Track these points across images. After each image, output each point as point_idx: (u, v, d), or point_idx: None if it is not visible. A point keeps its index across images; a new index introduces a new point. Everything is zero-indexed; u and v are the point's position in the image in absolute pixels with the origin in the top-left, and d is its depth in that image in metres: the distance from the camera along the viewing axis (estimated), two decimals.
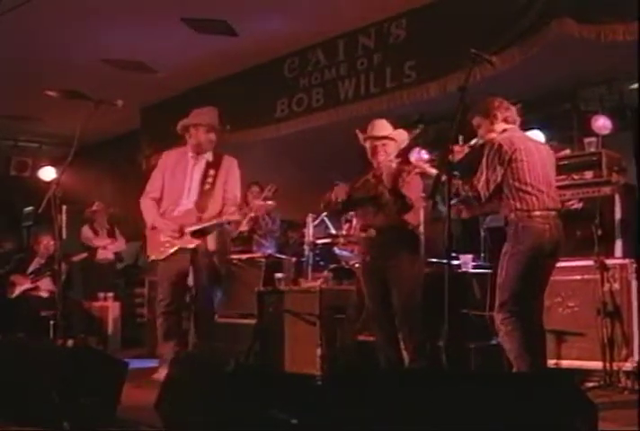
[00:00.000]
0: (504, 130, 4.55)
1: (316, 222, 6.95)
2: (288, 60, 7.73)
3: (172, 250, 5.72)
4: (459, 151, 4.50)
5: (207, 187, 5.83)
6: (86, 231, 9.45)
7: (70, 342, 6.60)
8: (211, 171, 5.88)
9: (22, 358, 4.22)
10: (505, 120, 4.59)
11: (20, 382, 4.03)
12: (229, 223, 6.07)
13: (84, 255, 8.91)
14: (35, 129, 10.57)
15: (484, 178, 4.43)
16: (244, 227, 7.93)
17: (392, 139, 5.34)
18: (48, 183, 10.11)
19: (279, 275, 6.56)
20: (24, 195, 10.84)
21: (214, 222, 5.75)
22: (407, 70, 6.59)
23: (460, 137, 4.64)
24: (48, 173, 10.48)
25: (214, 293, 6.02)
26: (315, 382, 3.33)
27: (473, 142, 4.61)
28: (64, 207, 5.25)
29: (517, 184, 4.39)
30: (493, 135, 4.55)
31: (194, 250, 5.71)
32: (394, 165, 5.22)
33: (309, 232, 6.77)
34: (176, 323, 5.82)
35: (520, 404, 2.48)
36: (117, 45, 7.54)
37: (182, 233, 5.70)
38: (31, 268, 8.93)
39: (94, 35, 7.26)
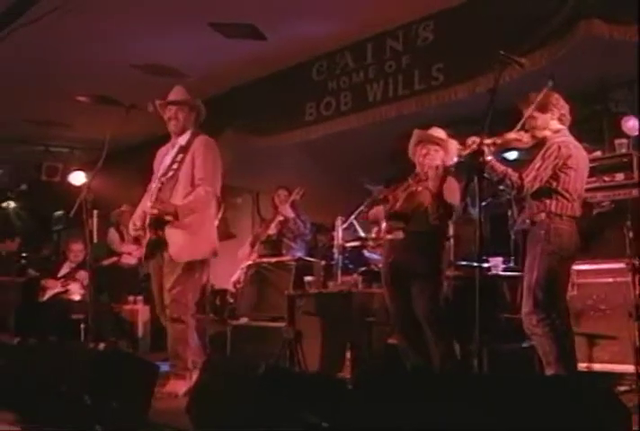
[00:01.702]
0: (558, 130, 4.52)
1: (345, 225, 6.94)
2: (317, 64, 7.72)
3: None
4: (516, 139, 4.46)
5: (170, 174, 5.27)
6: (112, 234, 9.48)
7: (102, 345, 6.66)
8: (179, 156, 5.31)
9: (54, 361, 4.25)
10: (560, 119, 4.56)
11: (52, 385, 4.06)
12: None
13: (115, 259, 8.95)
14: (66, 134, 10.65)
15: (533, 174, 4.40)
16: (272, 230, 7.97)
17: (443, 147, 5.30)
18: (79, 188, 10.29)
19: (308, 278, 6.60)
20: (55, 200, 10.94)
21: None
22: (435, 72, 6.56)
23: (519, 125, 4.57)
24: (78, 178, 10.54)
25: None
26: (346, 386, 3.31)
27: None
28: (95, 212, 5.30)
29: (559, 189, 4.38)
30: (548, 132, 4.51)
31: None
32: (439, 168, 5.17)
33: (338, 235, 6.75)
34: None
35: (553, 408, 2.45)
36: (146, 50, 7.58)
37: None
38: (61, 272, 8.97)
39: (124, 40, 7.31)
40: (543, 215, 4.40)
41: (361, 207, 6.88)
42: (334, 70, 7.54)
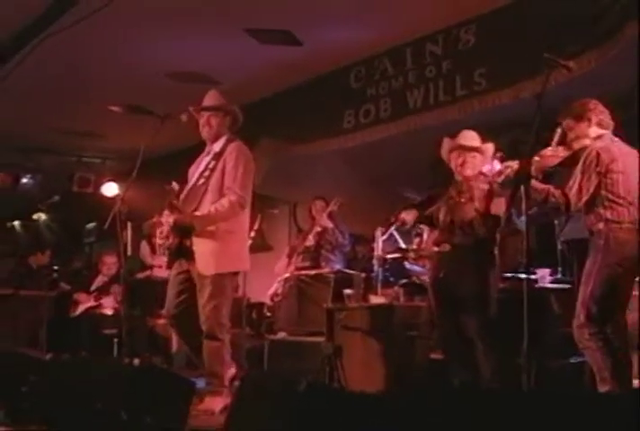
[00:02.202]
0: (599, 136, 4.47)
1: (385, 236, 6.93)
2: (355, 69, 7.72)
3: None
4: (553, 155, 4.44)
5: (201, 182, 5.22)
6: (144, 247, 9.51)
7: (136, 361, 6.69)
8: (212, 163, 5.23)
9: (88, 377, 4.28)
10: (599, 124, 4.50)
11: (86, 402, 4.09)
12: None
13: (149, 273, 8.98)
14: (98, 145, 10.76)
15: (577, 186, 4.36)
16: (310, 242, 7.97)
17: (480, 152, 5.29)
18: (112, 199, 10.38)
19: (348, 291, 6.62)
20: (87, 211, 11.05)
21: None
22: (477, 77, 6.53)
23: (555, 140, 4.55)
24: (110, 189, 10.64)
25: None
26: (388, 402, 3.29)
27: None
28: (129, 224, 5.32)
29: (610, 196, 4.32)
30: (587, 140, 4.47)
31: None
32: (486, 186, 5.12)
33: (378, 246, 6.74)
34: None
35: (606, 426, 2.42)
36: (179, 57, 7.63)
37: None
38: (94, 286, 9.04)
39: (156, 47, 7.38)
40: (601, 225, 4.33)
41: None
42: (373, 76, 7.53)
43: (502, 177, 4.57)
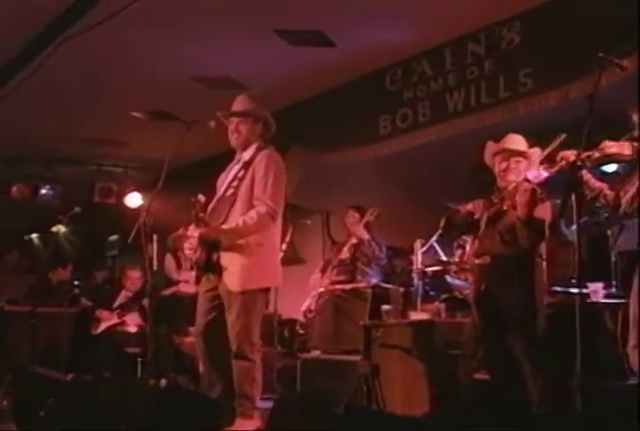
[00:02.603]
0: None
1: (425, 248, 6.91)
2: (391, 72, 7.73)
3: None
4: (615, 151, 4.37)
5: (229, 192, 5.16)
6: (169, 261, 9.50)
7: (163, 382, 6.70)
8: (241, 172, 5.17)
9: (112, 399, 4.29)
10: None
11: (110, 425, 4.10)
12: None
13: (175, 289, 8.98)
14: (120, 153, 10.85)
15: (633, 191, 4.31)
16: (345, 254, 7.96)
17: (526, 157, 5.26)
18: (135, 210, 10.44)
19: (386, 306, 6.56)
20: (109, 223, 11.11)
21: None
22: (523, 78, 6.50)
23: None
24: (134, 200, 10.70)
25: None
26: (429, 426, 3.28)
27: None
28: (154, 237, 5.34)
29: None
30: None
31: None
32: (529, 192, 5.04)
33: (417, 259, 6.75)
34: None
35: None
36: (205, 61, 7.70)
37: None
38: (117, 302, 9.04)
39: (181, 50, 7.42)
40: None
41: (441, 224, 6.84)
42: (410, 78, 7.53)
43: (557, 168, 4.49)
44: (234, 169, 5.29)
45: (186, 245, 5.18)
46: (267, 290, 5.30)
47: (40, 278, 9.93)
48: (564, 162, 4.54)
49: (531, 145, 5.35)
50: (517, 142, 5.32)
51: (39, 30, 6.90)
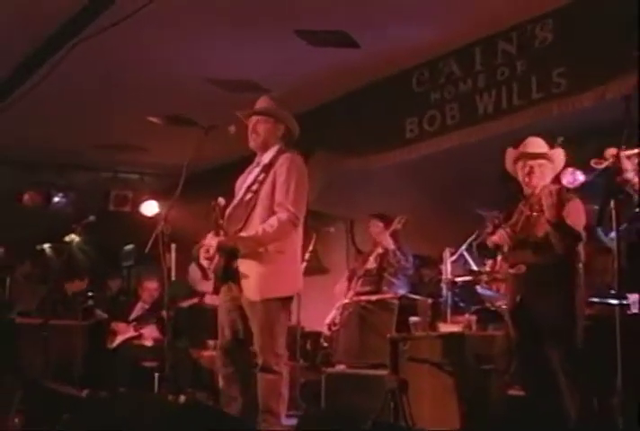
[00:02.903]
0: None
1: (454, 257, 6.89)
2: (417, 73, 7.71)
3: None
4: None
5: (248, 196, 5.14)
6: (193, 271, 9.44)
7: (182, 398, 6.70)
8: (261, 176, 5.14)
9: (128, 416, 4.29)
10: None
11: None
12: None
13: (195, 300, 8.95)
14: (136, 159, 10.89)
15: None
16: (371, 264, 7.94)
17: (549, 159, 5.24)
18: (151, 219, 10.46)
19: (414, 318, 6.60)
20: (124, 232, 11.13)
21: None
22: (556, 78, 6.46)
23: None
24: (150, 208, 10.73)
25: None
26: None
27: None
28: (172, 246, 5.33)
29: None
30: None
31: None
32: (554, 193, 5.03)
33: (447, 268, 6.75)
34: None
35: None
36: (224, 63, 7.73)
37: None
38: (133, 314, 9.06)
39: (199, 53, 7.46)
40: None
41: (472, 236, 6.82)
42: (438, 79, 7.51)
43: (603, 165, 4.45)
44: (253, 172, 5.27)
45: (202, 254, 5.15)
46: (289, 299, 5.26)
47: (53, 290, 9.95)
48: (611, 160, 4.49)
49: (553, 147, 5.33)
50: (537, 144, 5.32)
51: (50, 32, 6.93)
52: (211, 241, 5.02)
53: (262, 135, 5.22)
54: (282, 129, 5.27)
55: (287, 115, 5.33)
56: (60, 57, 7.06)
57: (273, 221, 4.94)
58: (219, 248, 4.96)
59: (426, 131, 7.57)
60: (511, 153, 5.39)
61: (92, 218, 8.34)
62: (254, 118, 5.27)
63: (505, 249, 5.29)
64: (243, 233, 5.01)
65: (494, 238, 5.33)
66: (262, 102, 5.36)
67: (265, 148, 5.26)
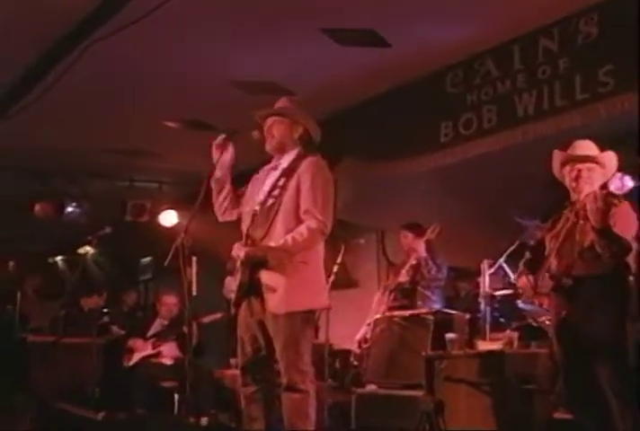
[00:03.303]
0: None
1: (493, 269, 6.88)
2: (451, 73, 7.68)
3: None
4: None
5: (269, 202, 5.09)
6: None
7: (204, 420, 6.68)
8: (281, 181, 5.12)
9: None
10: None
11: None
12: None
13: (218, 316, 8.92)
14: (154, 166, 10.88)
15: None
16: (403, 277, 7.92)
17: (598, 163, 5.18)
18: (170, 229, 10.46)
19: (450, 335, 6.59)
20: (142, 244, 11.15)
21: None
22: (602, 77, 6.40)
23: None
24: (169, 218, 10.75)
25: None
26: None
27: None
28: (193, 259, 5.31)
29: None
30: None
31: None
32: (599, 197, 4.98)
33: (485, 281, 6.77)
34: None
35: None
36: (246, 63, 7.69)
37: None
38: (151, 331, 9.07)
39: (218, 53, 7.45)
40: None
41: (512, 247, 6.78)
42: (474, 80, 7.47)
43: None
44: (271, 175, 5.25)
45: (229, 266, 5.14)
46: (314, 312, 5.26)
47: (67, 305, 9.97)
48: None
49: (604, 150, 5.29)
50: (586, 147, 5.30)
51: (63, 32, 6.93)
52: (239, 251, 4.99)
53: (278, 136, 5.22)
54: (300, 131, 5.26)
55: (305, 115, 5.32)
56: (73, 58, 7.07)
57: (303, 229, 4.92)
58: (247, 258, 4.93)
59: (461, 135, 7.53)
60: (558, 156, 5.37)
61: (107, 229, 8.35)
62: (271, 120, 5.27)
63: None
64: (271, 243, 4.97)
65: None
66: (279, 103, 5.39)
67: (282, 151, 5.25)
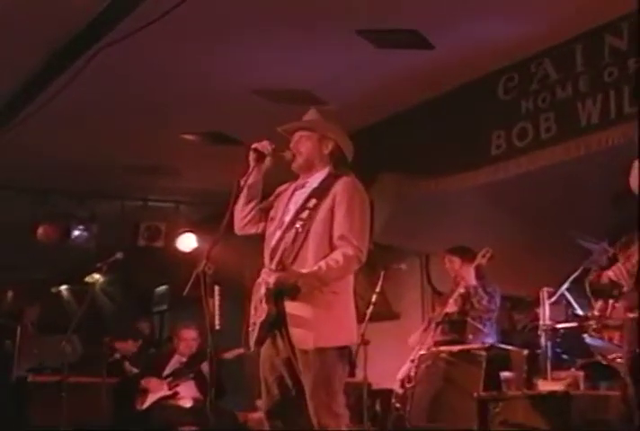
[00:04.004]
0: None
1: (554, 298, 6.81)
2: (504, 77, 7.65)
3: None
4: None
5: (298, 224, 5.00)
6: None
7: None
8: (311, 202, 5.04)
9: None
10: None
11: None
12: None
13: (241, 350, 8.87)
14: (169, 185, 10.93)
15: None
16: (451, 308, 7.85)
17: None
18: (189, 254, 10.44)
19: (506, 374, 6.58)
20: (156, 271, 11.13)
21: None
22: None
23: None
24: (187, 242, 10.76)
25: None
26: None
27: None
28: (216, 288, 5.24)
29: None
30: None
31: None
32: None
33: (545, 313, 6.77)
34: None
35: None
36: (272, 70, 7.69)
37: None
38: (168, 369, 9.06)
39: (242, 58, 7.43)
40: None
41: (576, 273, 6.69)
42: (530, 84, 7.43)
43: None
44: (298, 195, 5.17)
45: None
46: (346, 348, 5.12)
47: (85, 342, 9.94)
48: None
49: None
50: None
51: (69, 37, 6.94)
52: (268, 277, 4.91)
53: (305, 153, 5.14)
54: (330, 146, 5.16)
55: (335, 129, 5.22)
56: (80, 67, 7.07)
57: (339, 256, 4.84)
58: (277, 285, 4.84)
59: (516, 147, 7.49)
60: (638, 168, 5.26)
61: (118, 255, 8.29)
62: (297, 135, 5.19)
63: (624, 288, 5.18)
64: (303, 270, 4.87)
65: (610, 274, 5.31)
66: (307, 116, 5.30)
67: (309, 170, 5.17)
